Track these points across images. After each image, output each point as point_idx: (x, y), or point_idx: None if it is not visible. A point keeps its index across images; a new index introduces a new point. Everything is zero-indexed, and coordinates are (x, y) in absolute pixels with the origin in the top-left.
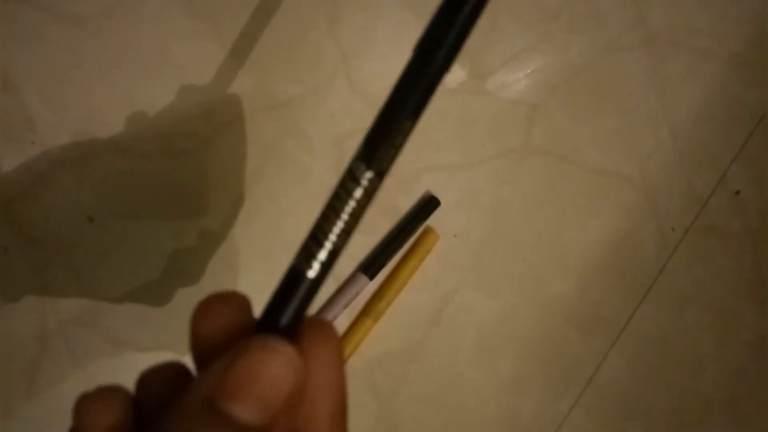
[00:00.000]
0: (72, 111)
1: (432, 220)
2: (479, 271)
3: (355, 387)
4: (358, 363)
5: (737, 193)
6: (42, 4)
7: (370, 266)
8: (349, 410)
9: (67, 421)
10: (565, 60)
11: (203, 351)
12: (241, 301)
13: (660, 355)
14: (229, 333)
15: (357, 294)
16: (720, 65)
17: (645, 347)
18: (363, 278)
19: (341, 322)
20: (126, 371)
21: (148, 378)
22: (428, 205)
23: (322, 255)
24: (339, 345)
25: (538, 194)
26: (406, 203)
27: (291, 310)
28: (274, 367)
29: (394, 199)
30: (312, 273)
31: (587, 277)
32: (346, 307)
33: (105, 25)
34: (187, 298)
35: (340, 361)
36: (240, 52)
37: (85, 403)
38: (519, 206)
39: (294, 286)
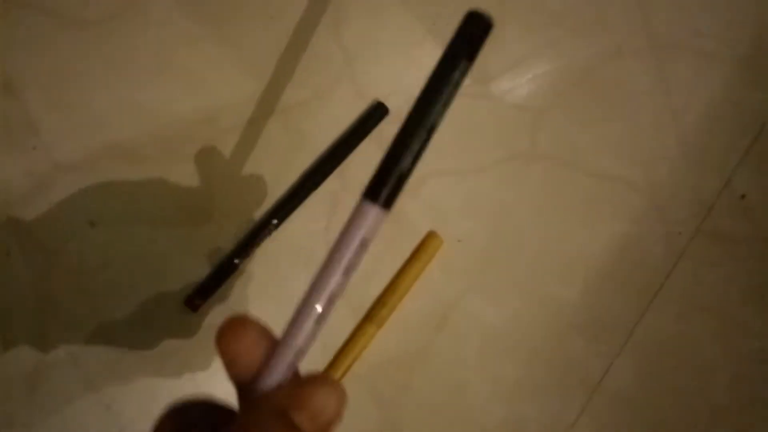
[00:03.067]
0: (75, 115)
1: (436, 225)
2: (483, 276)
3: (358, 394)
4: (361, 369)
5: (743, 197)
6: (46, 8)
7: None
8: (351, 417)
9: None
10: (570, 65)
11: (241, 368)
12: (256, 324)
13: (667, 362)
14: (255, 352)
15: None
16: (725, 69)
17: (652, 353)
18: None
19: (345, 322)
20: (139, 388)
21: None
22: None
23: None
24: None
25: (543, 199)
26: (412, 208)
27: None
28: (333, 397)
29: (400, 203)
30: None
31: (593, 282)
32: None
33: (110, 30)
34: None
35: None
36: (245, 57)
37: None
38: (524, 211)
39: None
